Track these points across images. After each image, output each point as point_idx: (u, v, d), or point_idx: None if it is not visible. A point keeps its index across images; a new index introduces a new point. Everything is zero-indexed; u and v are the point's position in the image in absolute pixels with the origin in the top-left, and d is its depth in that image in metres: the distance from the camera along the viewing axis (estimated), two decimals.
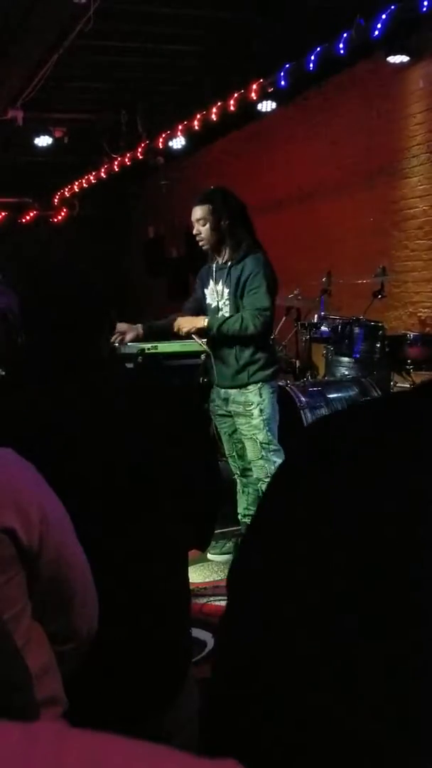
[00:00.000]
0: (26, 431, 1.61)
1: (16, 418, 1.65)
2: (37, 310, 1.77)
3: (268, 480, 3.82)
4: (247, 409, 3.83)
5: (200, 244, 3.85)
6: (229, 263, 3.79)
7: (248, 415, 3.83)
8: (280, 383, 4.61)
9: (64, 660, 1.35)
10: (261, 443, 3.80)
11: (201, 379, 5.72)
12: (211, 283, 3.89)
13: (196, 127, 8.33)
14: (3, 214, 12.93)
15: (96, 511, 1.35)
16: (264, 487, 3.90)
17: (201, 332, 3.82)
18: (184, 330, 3.83)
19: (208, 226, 3.76)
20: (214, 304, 3.89)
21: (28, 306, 1.78)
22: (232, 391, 3.90)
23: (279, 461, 3.81)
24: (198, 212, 3.78)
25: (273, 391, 3.87)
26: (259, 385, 3.80)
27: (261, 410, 3.79)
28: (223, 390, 3.98)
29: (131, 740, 0.41)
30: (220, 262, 3.85)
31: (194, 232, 3.83)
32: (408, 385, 5.31)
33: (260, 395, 3.80)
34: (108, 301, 1.85)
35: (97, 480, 1.59)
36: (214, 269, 3.88)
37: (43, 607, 1.31)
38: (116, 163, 9.90)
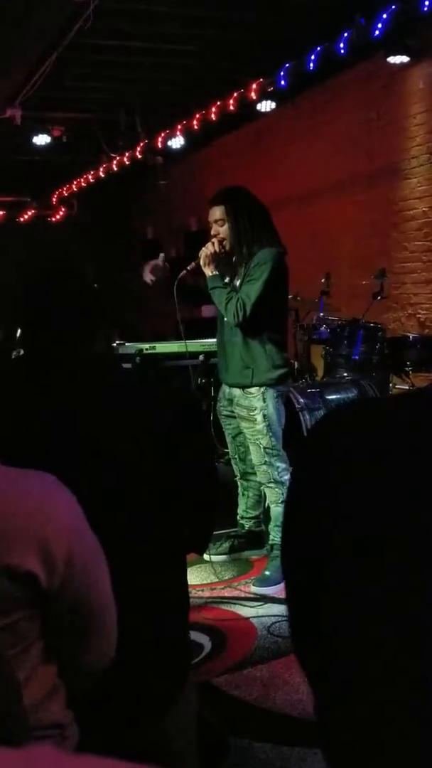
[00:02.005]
0: (19, 430, 1.59)
1: (8, 416, 1.63)
2: (33, 308, 1.75)
3: (270, 485, 3.80)
4: (251, 413, 3.78)
5: (218, 246, 3.72)
6: (245, 261, 3.71)
7: (252, 420, 3.78)
8: None
9: (69, 686, 1.31)
10: (265, 448, 3.76)
11: (199, 380, 5.70)
12: (228, 277, 3.82)
13: (196, 127, 8.31)
14: (1, 213, 12.92)
15: (92, 512, 1.32)
16: (267, 491, 3.86)
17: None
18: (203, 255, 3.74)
19: (226, 226, 3.69)
20: None
21: (24, 304, 1.76)
22: (237, 393, 3.85)
23: (282, 466, 3.78)
24: (216, 213, 3.72)
25: (278, 395, 3.78)
26: (262, 389, 3.73)
27: (264, 416, 3.73)
28: (228, 390, 3.94)
29: (131, 765, 0.41)
30: (239, 259, 3.76)
31: (212, 233, 3.75)
32: (407, 387, 5.28)
33: (263, 400, 3.73)
34: (104, 300, 1.84)
35: (93, 481, 1.56)
36: (234, 264, 3.80)
37: (55, 640, 1.27)
38: (115, 162, 9.87)
